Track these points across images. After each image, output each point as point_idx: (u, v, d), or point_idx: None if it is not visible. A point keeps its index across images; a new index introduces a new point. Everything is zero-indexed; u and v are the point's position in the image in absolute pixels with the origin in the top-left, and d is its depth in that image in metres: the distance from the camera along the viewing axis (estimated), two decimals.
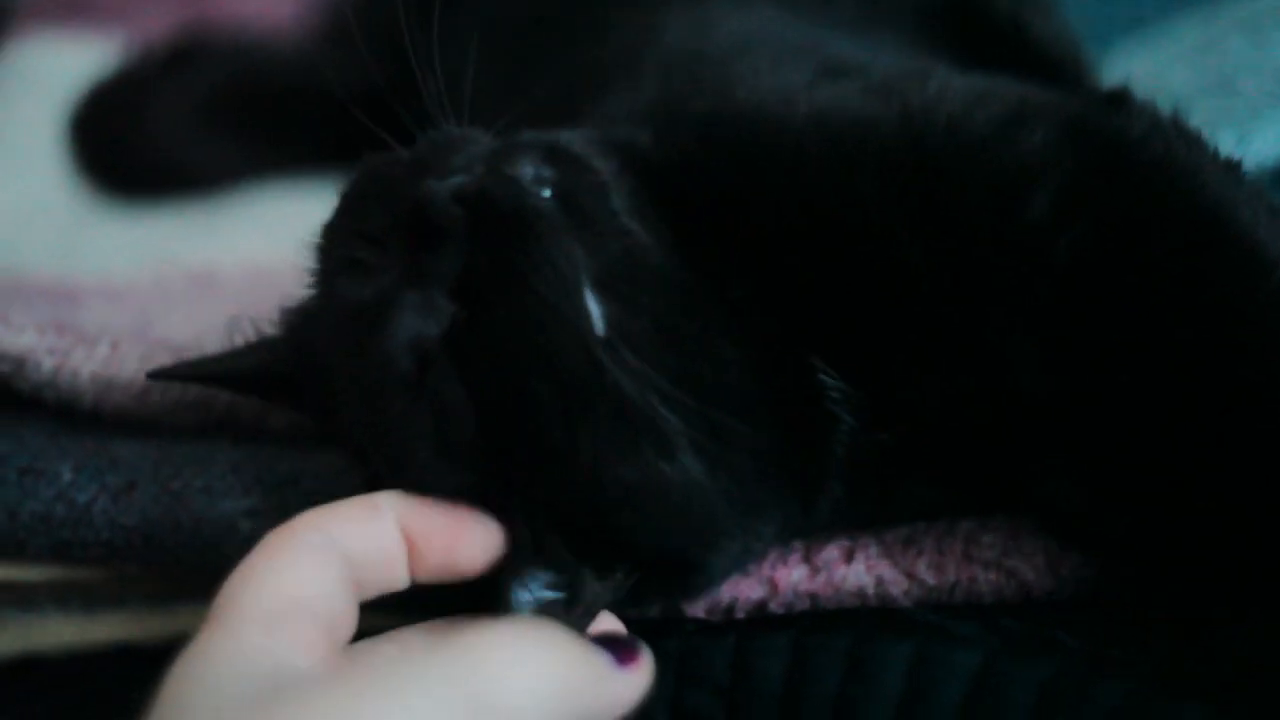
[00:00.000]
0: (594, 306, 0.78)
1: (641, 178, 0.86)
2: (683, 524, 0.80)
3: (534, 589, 0.77)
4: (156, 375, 0.94)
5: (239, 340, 0.93)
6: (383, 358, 0.78)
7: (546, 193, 0.81)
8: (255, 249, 1.42)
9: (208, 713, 0.61)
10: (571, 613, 0.77)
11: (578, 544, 0.78)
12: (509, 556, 0.78)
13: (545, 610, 0.76)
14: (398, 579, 0.76)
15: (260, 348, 0.92)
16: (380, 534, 0.75)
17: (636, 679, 0.73)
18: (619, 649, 0.72)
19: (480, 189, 0.80)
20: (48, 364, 1.04)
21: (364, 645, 0.72)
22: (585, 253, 0.79)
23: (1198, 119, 0.86)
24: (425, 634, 0.73)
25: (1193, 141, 0.84)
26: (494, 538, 0.77)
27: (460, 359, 0.77)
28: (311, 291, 0.87)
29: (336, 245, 0.85)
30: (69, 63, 1.69)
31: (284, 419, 1.03)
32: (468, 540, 0.77)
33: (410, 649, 0.69)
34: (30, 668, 0.95)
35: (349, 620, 0.71)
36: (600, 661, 0.71)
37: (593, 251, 0.80)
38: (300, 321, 0.88)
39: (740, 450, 0.82)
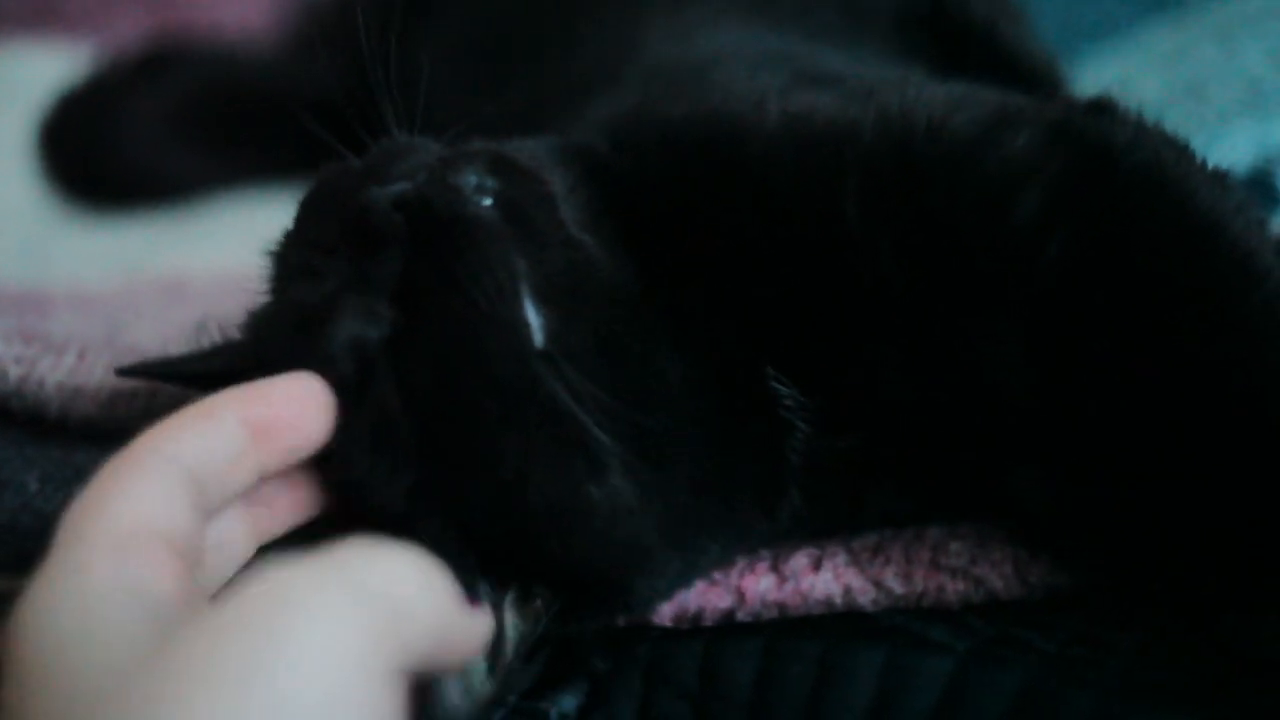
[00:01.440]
0: (533, 318, 0.78)
1: (598, 185, 0.86)
2: (607, 547, 0.79)
3: None
4: (125, 372, 0.93)
5: (206, 343, 0.93)
6: (323, 360, 0.77)
7: (488, 201, 0.81)
8: (225, 257, 1.41)
9: (74, 651, 0.58)
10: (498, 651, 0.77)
11: (498, 564, 0.78)
12: None
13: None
14: (245, 479, 0.74)
15: (225, 350, 0.91)
16: (220, 436, 0.73)
17: (482, 621, 0.72)
18: (468, 588, 0.71)
19: (419, 195, 0.80)
20: (14, 373, 1.04)
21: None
22: (527, 263, 0.79)
23: (1168, 126, 0.86)
24: (295, 557, 0.66)
25: (1180, 149, 0.84)
26: (324, 398, 0.76)
27: (398, 365, 0.77)
28: (268, 298, 0.87)
29: (292, 252, 0.86)
30: (39, 70, 1.69)
31: None
32: (309, 407, 0.76)
33: (284, 568, 0.66)
34: None
35: (198, 539, 0.69)
36: (456, 591, 0.68)
37: (535, 262, 0.80)
38: (258, 325, 0.88)
39: (680, 469, 0.82)
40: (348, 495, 0.79)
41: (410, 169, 0.82)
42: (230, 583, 0.74)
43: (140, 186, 1.57)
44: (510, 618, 0.78)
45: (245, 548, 0.77)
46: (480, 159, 0.83)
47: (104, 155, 1.59)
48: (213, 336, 0.93)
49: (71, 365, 1.04)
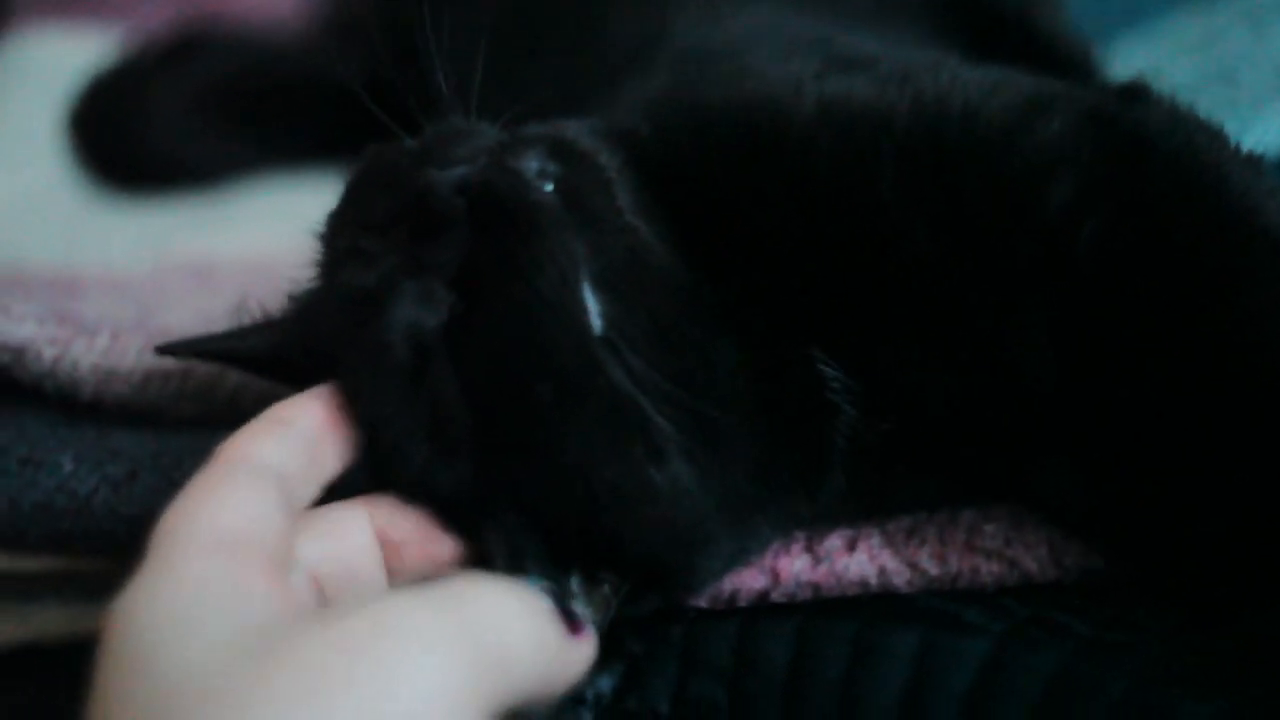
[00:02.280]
0: (592, 304, 0.78)
1: (641, 167, 0.86)
2: (669, 529, 0.80)
3: None
4: (164, 350, 0.94)
5: (245, 321, 0.93)
6: (380, 346, 0.78)
7: (549, 187, 0.81)
8: (254, 241, 1.42)
9: (173, 648, 0.59)
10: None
11: (562, 548, 0.79)
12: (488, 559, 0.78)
13: None
14: (325, 475, 0.77)
15: (266, 329, 0.92)
16: (299, 443, 0.75)
17: (585, 649, 0.72)
18: (568, 617, 0.72)
19: (483, 180, 0.79)
20: (48, 354, 1.04)
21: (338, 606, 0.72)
22: (586, 249, 0.79)
23: (1200, 111, 0.85)
24: (406, 591, 0.69)
25: (1214, 134, 0.83)
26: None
27: (457, 352, 0.77)
28: (316, 280, 0.87)
29: (340, 234, 0.85)
30: (69, 56, 1.69)
31: None
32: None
33: (391, 598, 0.67)
34: (29, 657, 0.95)
35: (289, 544, 0.70)
36: (559, 624, 0.70)
37: (594, 248, 0.80)
38: (305, 307, 0.88)
39: (735, 453, 0.82)
40: (410, 487, 0.79)
41: (471, 152, 0.81)
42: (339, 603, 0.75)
43: (169, 171, 1.58)
44: (580, 608, 0.77)
45: (377, 581, 0.78)
46: (541, 144, 0.83)
47: (133, 140, 1.60)
48: (252, 315, 0.93)
49: (105, 347, 1.05)
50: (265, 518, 0.69)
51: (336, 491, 0.79)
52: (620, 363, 0.77)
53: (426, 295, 0.78)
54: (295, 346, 0.88)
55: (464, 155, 0.81)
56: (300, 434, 0.76)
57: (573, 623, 0.71)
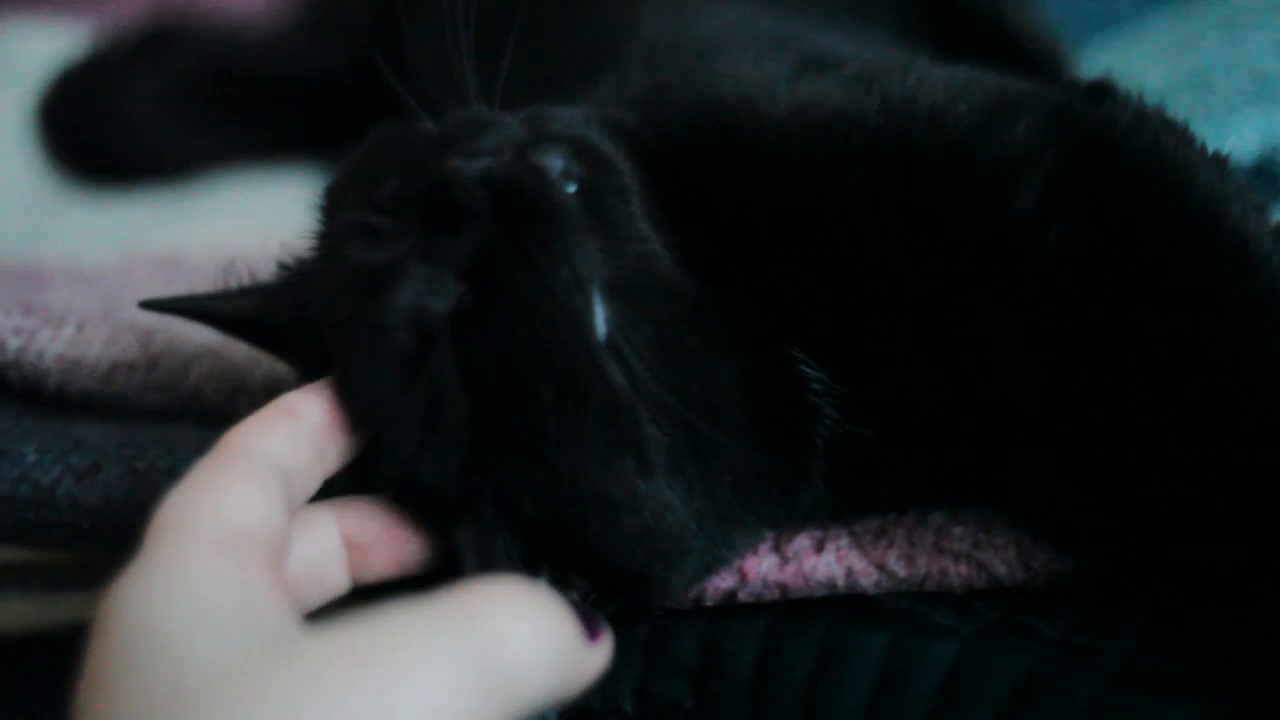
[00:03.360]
0: (599, 309, 0.77)
1: (635, 162, 0.85)
2: (648, 541, 0.79)
3: None
4: (149, 305, 0.93)
5: (233, 284, 0.92)
6: (382, 327, 0.77)
7: (571, 188, 0.80)
8: (222, 234, 1.41)
9: (174, 642, 0.58)
10: None
11: (540, 551, 0.78)
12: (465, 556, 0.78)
13: None
14: (328, 471, 0.76)
15: (255, 293, 0.91)
16: (304, 437, 0.75)
17: (602, 653, 0.72)
18: (587, 622, 0.71)
19: (508, 175, 0.78)
20: (13, 344, 1.03)
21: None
22: (601, 255, 0.79)
23: (1175, 116, 0.86)
24: (409, 603, 0.68)
25: (1180, 134, 0.84)
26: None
27: (461, 342, 0.76)
28: (314, 250, 0.87)
29: (344, 207, 0.85)
30: (39, 48, 1.69)
31: (251, 402, 1.02)
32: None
33: (397, 612, 0.65)
34: None
35: (288, 540, 0.70)
36: (578, 630, 0.69)
37: (608, 254, 0.79)
38: (299, 276, 0.88)
39: (721, 468, 0.81)
40: (393, 474, 0.78)
41: (496, 145, 0.80)
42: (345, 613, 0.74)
43: (138, 163, 1.58)
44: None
45: (341, 584, 0.77)
46: (566, 143, 0.82)
47: (103, 132, 1.60)
48: (239, 278, 0.92)
49: (70, 337, 1.04)
50: (269, 514, 0.68)
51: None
52: (622, 370, 0.77)
53: (437, 282, 0.77)
54: (283, 314, 0.87)
55: (489, 146, 0.80)
56: (307, 428, 0.75)
57: (592, 627, 0.71)
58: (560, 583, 0.79)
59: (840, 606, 0.85)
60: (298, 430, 0.75)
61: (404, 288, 0.77)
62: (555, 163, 0.80)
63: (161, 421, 1.01)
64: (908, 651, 0.81)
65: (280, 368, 1.02)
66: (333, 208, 0.86)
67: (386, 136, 0.87)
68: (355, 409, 0.78)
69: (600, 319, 0.77)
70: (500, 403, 0.76)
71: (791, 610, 0.85)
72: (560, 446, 0.76)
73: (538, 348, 0.76)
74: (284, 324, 0.87)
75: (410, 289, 0.77)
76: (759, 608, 0.86)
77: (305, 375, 0.85)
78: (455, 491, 0.77)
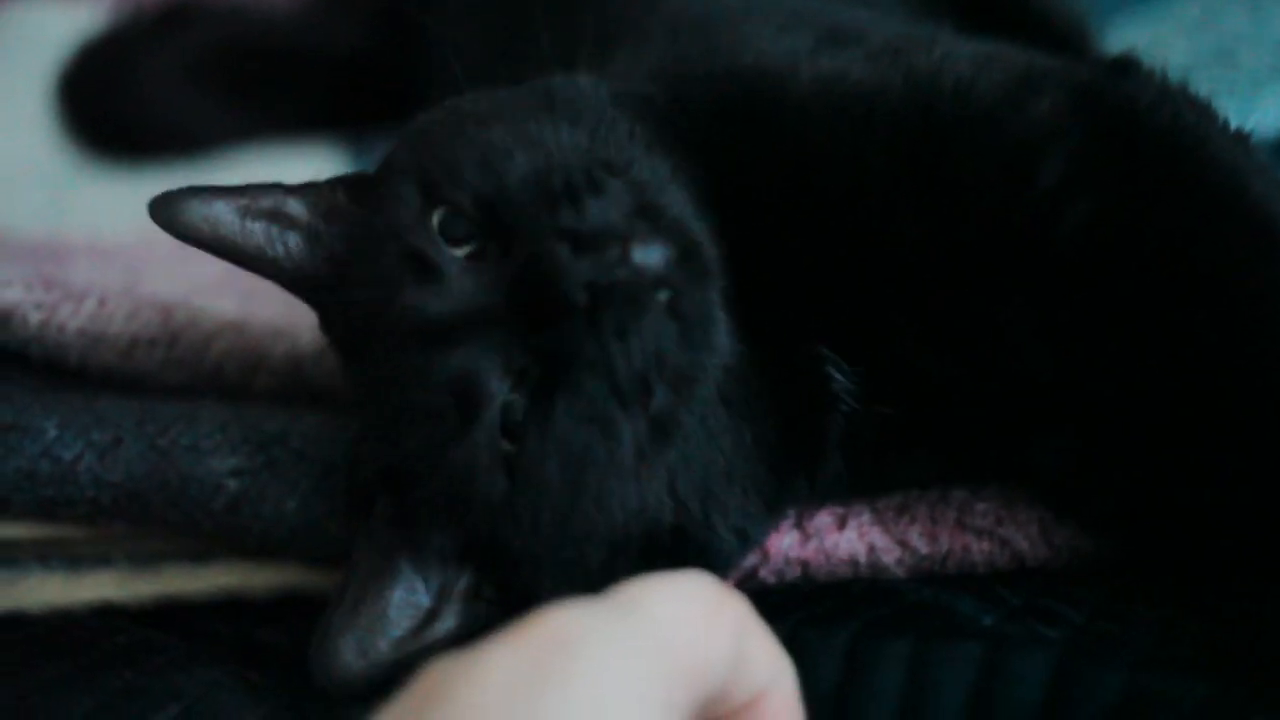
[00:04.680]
0: (660, 394, 0.78)
1: (660, 132, 0.84)
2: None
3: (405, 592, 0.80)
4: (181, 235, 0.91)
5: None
6: (429, 385, 0.77)
7: (664, 295, 0.77)
8: None
9: None
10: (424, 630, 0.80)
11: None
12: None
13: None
14: None
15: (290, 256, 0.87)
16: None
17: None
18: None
19: (609, 286, 0.76)
20: (34, 318, 1.03)
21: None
22: (673, 354, 0.78)
23: (1198, 91, 0.85)
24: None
25: (1201, 110, 0.83)
26: None
27: (509, 423, 0.77)
28: (372, 220, 0.84)
29: (404, 206, 0.82)
30: (58, 23, 1.69)
31: (272, 379, 1.03)
32: None
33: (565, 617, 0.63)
34: (13, 625, 0.94)
35: None
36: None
37: (679, 356, 0.78)
38: (344, 256, 0.86)
39: (746, 467, 0.82)
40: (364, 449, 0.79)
41: (603, 227, 0.77)
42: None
43: (158, 139, 1.58)
44: None
45: None
46: (671, 239, 0.78)
47: (123, 108, 1.60)
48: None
49: (92, 312, 1.04)
50: None
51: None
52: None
53: (501, 361, 0.77)
54: (321, 284, 0.86)
55: (598, 231, 0.77)
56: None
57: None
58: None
59: (862, 610, 0.83)
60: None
61: (465, 358, 0.77)
62: (655, 257, 0.77)
63: (183, 396, 1.01)
64: (933, 661, 0.79)
65: (303, 344, 1.02)
66: (392, 195, 0.83)
67: (463, 120, 0.85)
68: (385, 443, 0.79)
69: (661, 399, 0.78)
70: (537, 503, 0.77)
71: (811, 618, 0.83)
72: (589, 556, 0.78)
73: (588, 458, 0.76)
74: (321, 296, 0.87)
75: (471, 361, 0.77)
76: (778, 613, 0.83)
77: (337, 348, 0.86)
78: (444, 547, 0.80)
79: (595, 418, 0.76)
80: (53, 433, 0.94)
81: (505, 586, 0.80)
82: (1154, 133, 0.80)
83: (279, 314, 1.06)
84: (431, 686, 0.55)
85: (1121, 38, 1.29)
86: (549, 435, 0.76)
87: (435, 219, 0.81)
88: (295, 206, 0.86)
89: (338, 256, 0.86)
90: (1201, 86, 0.86)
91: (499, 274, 0.78)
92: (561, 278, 0.75)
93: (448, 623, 0.81)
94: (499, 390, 0.77)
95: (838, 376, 0.83)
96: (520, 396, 0.77)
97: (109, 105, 1.60)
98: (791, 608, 0.84)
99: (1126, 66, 0.86)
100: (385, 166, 0.87)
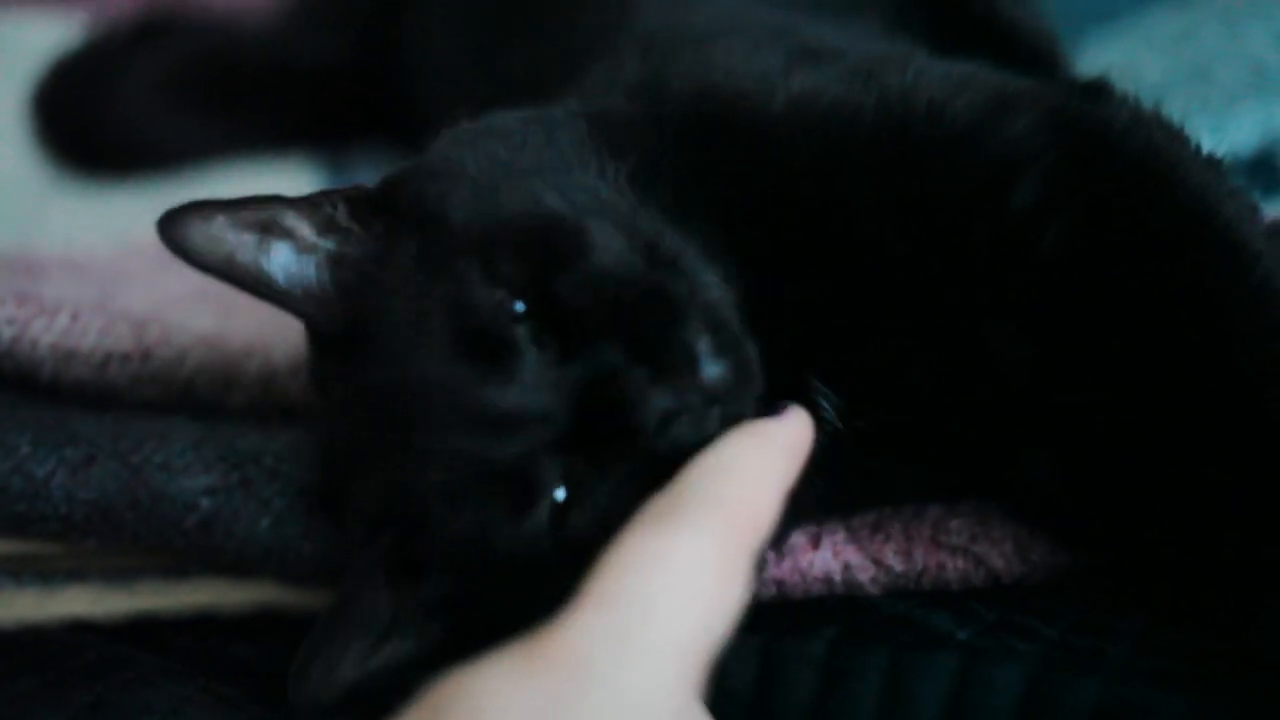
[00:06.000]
0: None
1: (648, 168, 0.84)
2: None
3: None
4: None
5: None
6: (486, 476, 0.76)
7: (718, 411, 0.77)
8: None
9: None
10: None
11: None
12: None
13: None
14: None
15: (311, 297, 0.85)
16: None
17: (798, 417, 0.76)
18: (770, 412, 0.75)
19: (681, 433, 0.76)
20: (6, 334, 1.03)
21: None
22: None
23: (1174, 108, 0.86)
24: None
25: (1174, 135, 0.84)
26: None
27: (557, 517, 0.77)
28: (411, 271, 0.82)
29: (468, 290, 0.79)
30: (34, 38, 1.69)
31: (245, 396, 1.02)
32: None
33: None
34: None
35: None
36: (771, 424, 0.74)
37: None
38: (353, 285, 0.84)
39: None
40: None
41: (683, 380, 0.76)
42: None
43: (134, 154, 1.57)
44: None
45: None
46: (732, 353, 0.77)
47: (98, 122, 1.59)
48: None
49: (65, 327, 1.04)
50: None
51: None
52: None
53: (571, 470, 0.77)
54: (334, 324, 0.85)
55: (675, 380, 0.76)
56: None
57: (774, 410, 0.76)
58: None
59: (837, 620, 0.84)
60: None
61: (523, 449, 0.76)
62: (717, 374, 0.77)
63: (156, 413, 1.00)
64: (909, 670, 0.79)
65: (276, 360, 1.02)
66: (441, 254, 0.81)
67: (510, 173, 0.84)
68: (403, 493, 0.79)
69: None
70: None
71: (789, 629, 0.84)
72: None
73: None
74: (330, 340, 0.85)
75: (529, 454, 0.76)
76: (754, 625, 0.83)
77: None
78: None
79: (635, 504, 0.73)
80: (25, 449, 0.94)
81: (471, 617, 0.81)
82: (1127, 157, 0.81)
83: (254, 329, 1.06)
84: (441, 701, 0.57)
85: (1097, 54, 1.29)
86: (588, 520, 0.76)
87: (514, 307, 0.78)
88: (293, 219, 0.85)
89: (342, 280, 0.84)
90: (1176, 103, 0.86)
91: (565, 376, 0.77)
92: (638, 406, 0.75)
93: (408, 642, 0.81)
94: (550, 482, 0.76)
95: (824, 405, 0.82)
96: (568, 488, 0.77)
97: (84, 119, 1.59)
98: (768, 619, 0.84)
99: (1099, 90, 0.87)
100: (412, 203, 0.84)
